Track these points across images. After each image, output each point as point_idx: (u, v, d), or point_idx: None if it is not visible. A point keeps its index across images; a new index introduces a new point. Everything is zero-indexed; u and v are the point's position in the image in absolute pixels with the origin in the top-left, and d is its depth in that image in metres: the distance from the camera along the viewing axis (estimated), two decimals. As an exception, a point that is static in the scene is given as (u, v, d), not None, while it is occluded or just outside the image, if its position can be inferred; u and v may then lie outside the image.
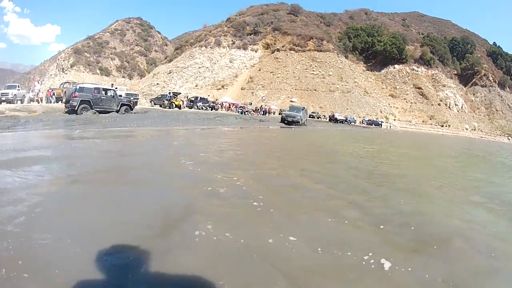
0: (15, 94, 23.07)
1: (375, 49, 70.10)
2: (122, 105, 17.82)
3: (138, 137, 8.77)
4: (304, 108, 25.85)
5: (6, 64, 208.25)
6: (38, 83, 34.72)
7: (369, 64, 69.41)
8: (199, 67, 59.62)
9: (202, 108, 34.96)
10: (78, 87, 17.16)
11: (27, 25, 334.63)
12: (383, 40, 71.84)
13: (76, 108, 15.63)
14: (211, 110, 36.20)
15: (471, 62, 77.75)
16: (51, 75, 72.39)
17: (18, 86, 28.96)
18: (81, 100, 15.82)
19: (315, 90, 59.94)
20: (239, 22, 65.48)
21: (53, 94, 26.10)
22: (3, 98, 22.76)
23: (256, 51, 62.78)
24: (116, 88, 25.13)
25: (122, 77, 74.75)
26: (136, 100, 22.81)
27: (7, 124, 11.31)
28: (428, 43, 77.92)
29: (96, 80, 52.21)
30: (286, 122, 23.01)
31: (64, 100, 19.68)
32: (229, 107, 45.72)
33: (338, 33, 71.73)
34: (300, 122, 22.72)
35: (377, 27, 75.43)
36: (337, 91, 60.46)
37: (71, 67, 72.26)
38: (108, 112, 16.60)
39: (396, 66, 70.36)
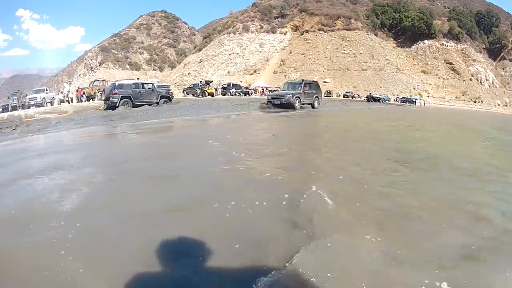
0: (43, 98, 23.54)
1: (403, 25, 68.63)
2: (162, 97, 18.44)
3: (175, 128, 8.82)
4: (308, 83, 17.17)
5: (32, 69, 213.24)
6: (67, 84, 35.04)
7: (398, 40, 68.11)
8: (230, 54, 59.47)
9: (236, 94, 35.06)
10: (117, 84, 17.71)
11: (49, 30, 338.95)
12: (410, 15, 70.24)
13: (117, 105, 16.15)
14: (245, 95, 36.08)
15: (497, 35, 75.58)
16: (79, 75, 73.23)
17: (47, 90, 29.39)
18: (121, 96, 16.36)
19: (347, 69, 59.28)
20: (265, 6, 64.85)
21: (83, 93, 26.33)
22: (32, 103, 23.16)
23: (285, 34, 62.26)
24: (158, 81, 25.12)
25: (153, 70, 75.11)
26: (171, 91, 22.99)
27: (38, 127, 11.53)
28: (454, 17, 75.90)
29: (126, 75, 52.51)
30: (273, 105, 16.56)
31: (103, 98, 20.27)
32: (263, 91, 45.56)
33: (365, 10, 70.38)
34: (296, 104, 15.53)
35: (403, 2, 73.72)
36: (369, 69, 59.66)
37: (99, 65, 72.99)
38: (150, 104, 17.17)
39: (425, 41, 68.90)
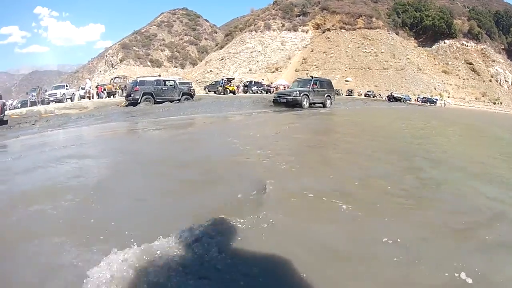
0: (63, 93, 23.91)
1: (424, 24, 68.26)
2: (183, 94, 18.47)
3: (196, 124, 8.79)
4: (319, 80, 16.17)
5: (51, 66, 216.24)
6: (89, 80, 35.25)
7: (419, 39, 67.79)
8: (251, 52, 59.62)
9: (257, 92, 34.87)
10: (138, 81, 17.84)
11: (68, 27, 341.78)
12: (430, 14, 69.83)
13: (138, 101, 16.28)
14: (266, 93, 35.85)
15: (516, 36, 75.12)
16: (100, 71, 73.84)
17: (67, 86, 29.72)
18: (143, 92, 16.50)
19: (368, 68, 59.23)
20: (286, 4, 64.85)
21: (104, 89, 26.69)
22: (52, 98, 23.53)
23: (306, 32, 62.27)
24: (179, 78, 25.11)
25: (174, 67, 75.48)
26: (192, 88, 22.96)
27: (58, 122, 11.66)
28: (474, 16, 75.33)
29: (147, 72, 52.93)
30: (278, 103, 15.42)
31: (124, 94, 20.41)
32: (284, 89, 45.62)
33: (386, 9, 70.07)
34: (303, 103, 14.33)
35: (423, 1, 73.30)
36: (390, 68, 59.55)
37: (120, 62, 73.51)
38: (172, 101, 17.16)
39: (446, 41, 68.52)
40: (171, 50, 79.98)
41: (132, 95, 16.79)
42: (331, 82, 17.15)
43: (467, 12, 77.97)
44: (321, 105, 15.49)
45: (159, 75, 28.18)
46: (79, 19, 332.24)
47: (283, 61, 59.06)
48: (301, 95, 14.11)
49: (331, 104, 15.92)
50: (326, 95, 15.72)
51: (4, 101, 19.71)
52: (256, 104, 17.14)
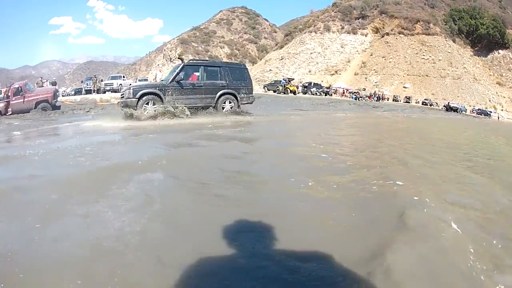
0: (120, 84, 24.74)
1: (479, 32, 67.90)
2: None
3: (253, 123, 8.56)
4: (202, 67, 9.54)
5: (108, 57, 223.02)
6: (160, 72, 36.14)
7: (475, 48, 67.66)
8: (311, 53, 60.34)
9: (316, 93, 35.48)
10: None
11: (125, 21, 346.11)
12: (485, 22, 69.38)
13: None
14: (325, 95, 36.42)
15: None
16: (158, 65, 75.36)
17: (123, 76, 31.10)
18: None
19: (426, 75, 59.49)
20: (345, 7, 65.07)
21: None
22: (108, 88, 24.72)
23: (366, 36, 62.64)
24: None
25: None
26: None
27: (113, 112, 11.88)
28: (526, 26, 74.72)
29: None
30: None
31: None
32: (343, 92, 45.88)
33: (443, 15, 69.79)
34: (138, 110, 8.43)
35: (477, 8, 72.74)
36: (447, 77, 59.72)
37: (178, 57, 74.62)
38: None
39: (500, 51, 68.24)
40: (231, 47, 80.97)
41: None
42: (244, 71, 10.45)
43: (519, 21, 77.24)
44: (215, 108, 9.48)
45: None
46: (136, 13, 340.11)
47: (342, 64, 59.72)
48: (137, 95, 8.45)
49: (239, 107, 9.90)
50: (222, 94, 9.54)
51: (56, 87, 20.95)
52: (315, 106, 17.26)
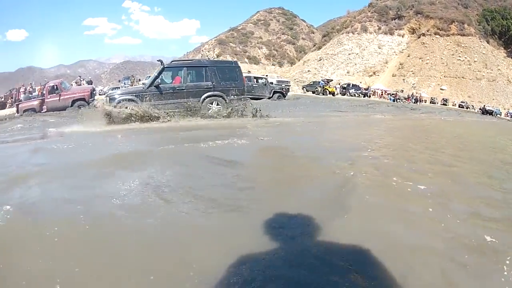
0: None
1: (511, 33, 68.38)
2: (275, 92, 18.48)
3: (291, 124, 8.43)
4: (185, 67, 8.78)
5: (145, 57, 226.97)
6: None
7: (508, 50, 68.23)
8: (349, 54, 60.87)
9: (355, 95, 35.66)
10: None
11: (161, 22, 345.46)
12: (516, 23, 69.66)
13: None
14: (364, 97, 36.46)
15: None
16: None
17: None
18: None
19: (462, 77, 59.76)
20: (381, 7, 65.23)
21: None
22: None
23: (402, 36, 62.98)
24: (266, 75, 25.56)
25: (272, 65, 77.01)
26: (287, 87, 22.79)
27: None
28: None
29: (245, 69, 54.54)
30: None
31: None
32: (382, 94, 45.96)
33: (476, 15, 70.01)
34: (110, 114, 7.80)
35: (508, 8, 72.89)
36: (483, 79, 59.96)
37: (217, 57, 75.11)
38: (261, 98, 16.96)
39: (530, 53, 68.74)
40: (269, 48, 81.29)
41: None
42: (234, 69, 9.41)
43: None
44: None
45: (266, 75, 28.54)
46: (172, 14, 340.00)
47: (380, 65, 60.31)
48: (114, 102, 8.07)
49: (241, 110, 8.99)
50: (207, 96, 8.69)
51: (93, 86, 21.96)
52: (354, 107, 16.85)
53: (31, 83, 26.80)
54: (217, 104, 8.66)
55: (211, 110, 8.55)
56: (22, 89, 22.58)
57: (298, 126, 8.10)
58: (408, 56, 61.59)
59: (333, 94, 31.98)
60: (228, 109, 8.62)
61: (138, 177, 2.91)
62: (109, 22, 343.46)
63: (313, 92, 32.50)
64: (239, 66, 9.62)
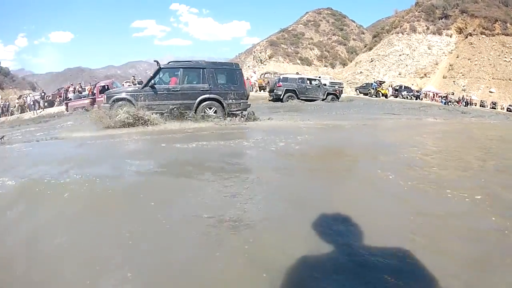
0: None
1: (552, 32, 69.22)
2: (328, 94, 18.56)
3: (344, 127, 8.22)
4: (180, 70, 8.64)
5: (196, 58, 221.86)
6: (254, 73, 36.86)
7: (545, 50, 69.33)
8: (400, 55, 60.50)
9: (407, 97, 34.83)
10: (281, 77, 18.43)
11: (211, 23, 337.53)
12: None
13: (281, 97, 16.83)
14: (416, 99, 35.56)
15: None
16: (248, 66, 74.02)
17: None
18: (286, 89, 16.97)
19: (509, 79, 59.64)
20: (428, 6, 64.54)
21: (254, 83, 27.14)
22: None
23: (450, 36, 62.37)
24: (319, 77, 25.12)
25: (324, 66, 75.86)
26: (341, 89, 22.90)
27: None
28: None
29: (298, 70, 53.80)
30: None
31: (267, 89, 20.89)
32: (433, 97, 46.15)
33: (517, 14, 70.58)
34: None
35: (546, 6, 73.58)
36: (531, 81, 60.49)
37: (269, 58, 73.89)
38: (314, 100, 17.27)
39: None
40: (320, 49, 79.95)
41: (275, 91, 17.39)
42: (234, 72, 9.03)
43: None
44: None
45: (320, 77, 29.96)
46: (221, 16, 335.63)
47: (430, 67, 60.13)
48: (110, 100, 8.43)
49: (242, 115, 8.81)
50: (203, 99, 8.48)
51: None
52: (407, 110, 16.55)
53: (80, 83, 27.07)
54: (215, 112, 8.44)
55: (206, 114, 8.34)
56: (71, 88, 23.10)
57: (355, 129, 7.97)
58: (457, 57, 61.14)
59: (386, 96, 31.56)
60: (225, 113, 8.41)
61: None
62: (158, 24, 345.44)
63: (366, 94, 32.23)
64: (240, 69, 9.34)
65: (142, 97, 8.18)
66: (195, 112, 8.23)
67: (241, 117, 8.59)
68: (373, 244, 1.85)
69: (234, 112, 8.65)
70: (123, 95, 8.34)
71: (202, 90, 8.38)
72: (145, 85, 8.44)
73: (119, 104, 8.04)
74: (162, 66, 8.53)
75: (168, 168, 3.59)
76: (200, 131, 6.64)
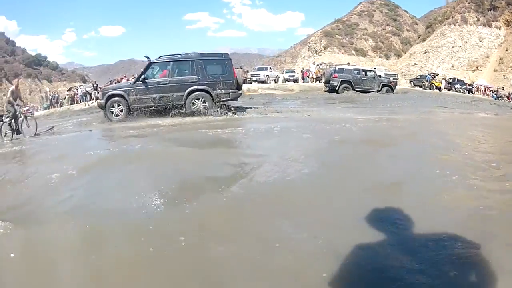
0: (267, 75, 25.80)
1: None
2: (383, 85, 18.14)
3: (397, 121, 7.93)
4: (171, 63, 8.78)
5: (252, 49, 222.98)
6: (313, 64, 36.74)
7: None
8: (452, 47, 59.62)
9: (460, 90, 33.40)
10: (337, 68, 18.35)
11: (264, 15, 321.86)
12: None
13: (337, 88, 16.75)
14: (468, 93, 33.17)
15: None
16: (304, 57, 71.64)
17: (270, 68, 32.43)
18: (341, 80, 16.84)
19: None
20: (477, -4, 64.24)
21: (309, 75, 27.77)
22: (254, 79, 25.20)
23: (499, 29, 62.26)
24: (374, 68, 24.81)
25: (379, 57, 73.65)
26: (395, 80, 22.16)
27: (262, 101, 12.49)
28: None
29: (352, 61, 52.52)
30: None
31: (323, 80, 20.55)
32: (485, 91, 46.89)
33: (556, 6, 71.53)
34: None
35: None
36: None
37: (324, 49, 71.41)
38: (369, 92, 16.91)
39: None
40: (375, 40, 77.46)
41: (331, 82, 17.22)
42: (224, 62, 9.01)
43: None
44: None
45: (348, 63, 28.56)
46: (275, 7, 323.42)
47: (482, 59, 59.40)
48: (105, 96, 8.74)
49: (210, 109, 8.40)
50: (191, 91, 8.53)
51: None
52: (459, 104, 15.98)
53: (133, 74, 27.39)
54: (204, 102, 8.49)
55: (195, 106, 8.41)
56: (124, 80, 22.80)
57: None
58: (506, 50, 61.85)
59: (439, 89, 30.56)
60: (214, 103, 8.46)
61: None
62: (211, 16, 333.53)
63: (420, 86, 30.95)
64: (230, 59, 9.17)
65: (134, 92, 8.49)
66: (184, 104, 8.39)
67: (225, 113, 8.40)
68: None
69: (224, 102, 8.70)
70: (116, 91, 8.69)
71: (190, 82, 8.53)
72: (136, 80, 8.81)
73: (113, 100, 8.46)
74: (152, 61, 8.76)
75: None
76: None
